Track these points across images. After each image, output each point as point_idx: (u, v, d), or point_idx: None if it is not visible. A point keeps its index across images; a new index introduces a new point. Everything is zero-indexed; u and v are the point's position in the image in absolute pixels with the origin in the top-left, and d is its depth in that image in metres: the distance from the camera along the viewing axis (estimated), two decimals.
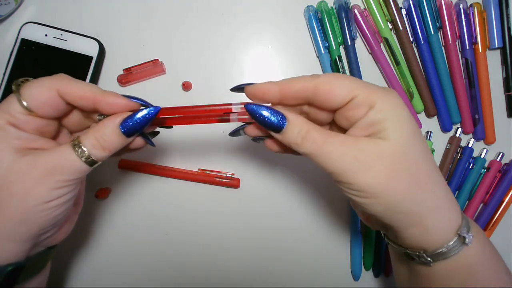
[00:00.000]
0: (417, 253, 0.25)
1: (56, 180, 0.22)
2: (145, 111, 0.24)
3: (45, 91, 0.23)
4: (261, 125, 0.24)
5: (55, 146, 0.24)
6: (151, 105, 0.25)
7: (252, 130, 0.27)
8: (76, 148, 0.23)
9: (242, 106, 0.25)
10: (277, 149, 0.28)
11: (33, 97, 0.23)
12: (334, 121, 0.26)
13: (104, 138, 0.23)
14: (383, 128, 0.23)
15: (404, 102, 0.24)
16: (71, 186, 0.23)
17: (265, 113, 0.24)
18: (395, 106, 0.23)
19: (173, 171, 0.40)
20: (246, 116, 0.25)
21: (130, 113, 0.24)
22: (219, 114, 0.26)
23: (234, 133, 0.28)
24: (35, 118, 0.23)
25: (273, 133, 0.24)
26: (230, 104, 0.26)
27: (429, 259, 0.25)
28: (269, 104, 0.26)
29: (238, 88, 0.26)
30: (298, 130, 0.24)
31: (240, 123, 0.27)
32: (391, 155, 0.22)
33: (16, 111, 0.22)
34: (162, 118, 0.26)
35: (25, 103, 0.22)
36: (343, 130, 0.26)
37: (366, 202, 0.23)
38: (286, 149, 0.27)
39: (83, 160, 0.23)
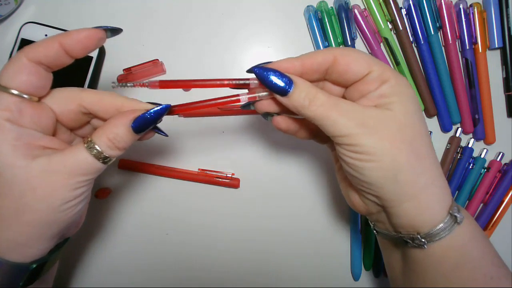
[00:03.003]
0: (411, 235, 0.25)
1: (76, 181, 0.23)
2: (154, 109, 0.24)
3: (20, 69, 0.22)
4: (268, 88, 0.25)
5: (60, 145, 0.25)
6: (115, 28, 0.25)
7: (262, 105, 0.27)
8: (91, 150, 0.23)
9: (249, 96, 0.26)
10: (285, 127, 0.28)
11: (13, 76, 0.22)
12: (343, 97, 0.27)
13: (117, 138, 0.24)
14: (391, 101, 0.24)
15: None
16: (89, 184, 0.25)
17: (273, 76, 0.24)
18: (405, 86, 0.25)
19: (173, 171, 0.40)
20: (255, 95, 0.26)
21: (140, 112, 0.24)
22: (229, 102, 0.26)
23: (245, 106, 0.28)
24: (27, 104, 0.22)
25: (279, 97, 0.25)
26: (238, 95, 0.26)
27: (423, 240, 0.25)
28: None
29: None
30: (305, 93, 0.24)
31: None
32: (396, 124, 0.24)
33: (6, 102, 0.22)
34: (172, 107, 0.26)
35: (14, 91, 0.22)
36: None
37: (368, 166, 0.24)
38: (294, 125, 0.28)
39: (100, 161, 0.24)
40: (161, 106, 0.25)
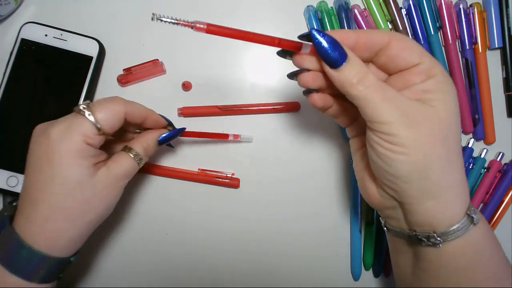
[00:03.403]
0: (427, 234, 0.25)
1: (125, 182, 0.30)
2: (174, 131, 0.34)
3: (116, 115, 0.28)
4: (321, 56, 0.24)
5: (105, 155, 0.30)
6: (172, 125, 0.35)
7: (306, 79, 0.26)
8: (135, 156, 0.30)
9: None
10: (321, 104, 0.28)
11: (107, 121, 0.27)
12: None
13: (148, 148, 0.31)
14: (435, 98, 0.24)
15: None
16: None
17: (329, 44, 0.23)
18: (451, 84, 0.25)
19: (173, 171, 0.40)
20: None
21: (166, 130, 0.33)
22: None
23: (291, 75, 0.28)
24: (102, 136, 0.28)
25: (328, 69, 0.24)
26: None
27: (439, 239, 0.25)
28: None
29: (307, 35, 0.25)
30: (356, 71, 0.23)
31: (295, 69, 0.27)
32: (436, 121, 0.24)
33: (91, 133, 0.27)
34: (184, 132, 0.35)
35: (99, 125, 0.27)
36: None
37: (397, 158, 0.23)
38: (331, 106, 0.28)
39: (139, 164, 0.31)
40: (178, 129, 0.34)
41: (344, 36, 0.24)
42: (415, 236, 0.26)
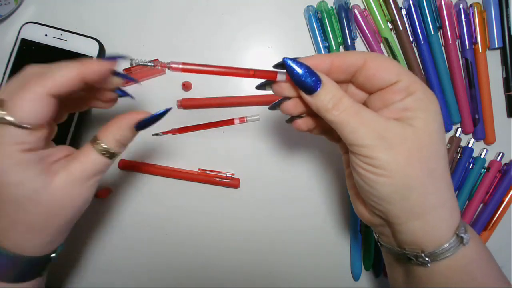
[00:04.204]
0: (415, 253, 0.25)
1: (93, 181, 0.26)
2: (156, 113, 0.27)
3: (38, 102, 0.22)
4: (296, 83, 0.24)
5: (69, 150, 0.27)
6: (122, 56, 0.27)
7: (287, 107, 0.26)
8: (102, 150, 0.25)
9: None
10: (306, 128, 0.28)
11: (31, 114, 0.22)
12: (365, 103, 0.27)
13: (123, 138, 0.26)
14: (415, 116, 0.23)
15: None
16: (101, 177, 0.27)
17: (302, 70, 0.23)
18: (432, 101, 0.24)
19: (173, 171, 0.40)
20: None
21: (143, 115, 0.26)
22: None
23: (272, 107, 0.28)
24: (40, 130, 0.23)
25: (304, 95, 0.24)
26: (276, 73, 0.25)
27: (427, 259, 0.24)
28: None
29: (281, 64, 0.25)
30: (331, 96, 0.23)
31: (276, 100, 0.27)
32: (415, 141, 0.23)
33: (21, 138, 0.22)
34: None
35: (25, 124, 0.22)
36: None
37: (378, 181, 0.23)
38: (314, 127, 0.28)
39: (112, 159, 0.26)
40: (162, 110, 0.26)
41: (318, 61, 0.24)
42: (404, 255, 0.26)
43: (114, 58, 0.26)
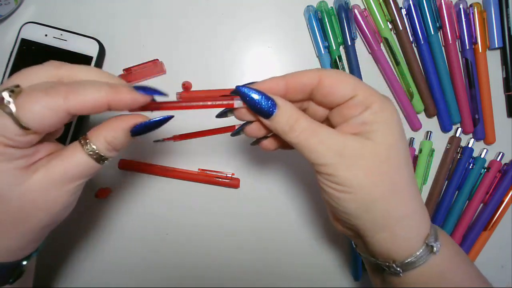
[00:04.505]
0: (387, 263, 0.25)
1: (76, 185, 0.23)
2: (155, 119, 0.24)
3: (50, 113, 0.20)
4: (251, 109, 0.24)
5: (56, 146, 0.24)
6: (162, 93, 0.24)
7: (251, 130, 0.26)
8: (90, 152, 0.23)
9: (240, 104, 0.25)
10: (273, 148, 0.28)
11: (36, 119, 0.20)
12: (327, 118, 0.27)
13: (115, 142, 0.23)
14: (373, 129, 0.23)
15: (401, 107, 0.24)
16: (85, 183, 0.24)
17: (256, 96, 0.23)
18: (390, 112, 0.24)
19: (173, 171, 0.40)
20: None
21: (141, 119, 0.23)
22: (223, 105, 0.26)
23: (236, 132, 0.28)
24: (34, 135, 0.21)
25: (262, 119, 0.24)
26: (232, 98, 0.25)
27: (398, 269, 0.25)
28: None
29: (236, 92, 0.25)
30: (287, 118, 0.24)
31: (241, 122, 0.27)
32: (374, 156, 0.23)
33: (12, 133, 0.20)
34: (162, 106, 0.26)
35: (23, 123, 0.20)
36: (335, 127, 0.26)
37: (342, 197, 0.24)
38: (281, 145, 0.28)
39: (100, 163, 0.23)
40: (163, 117, 0.24)
41: (272, 85, 0.24)
42: (377, 264, 0.26)
43: (150, 93, 0.23)
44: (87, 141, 0.23)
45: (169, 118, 0.24)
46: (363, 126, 0.24)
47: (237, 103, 0.25)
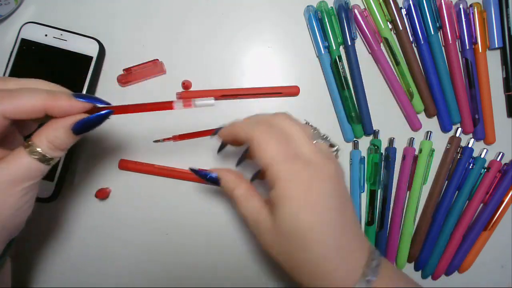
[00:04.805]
0: None
1: (23, 188, 0.23)
2: (96, 114, 0.25)
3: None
4: (205, 181, 0.31)
5: (3, 152, 0.25)
6: (104, 101, 0.25)
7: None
8: (34, 154, 0.23)
9: (183, 104, 0.27)
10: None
11: None
12: None
13: (57, 141, 0.24)
14: (275, 205, 0.25)
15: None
16: (36, 187, 0.25)
17: (203, 176, 0.30)
18: (292, 194, 0.25)
19: (173, 171, 0.40)
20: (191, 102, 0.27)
21: (83, 115, 0.24)
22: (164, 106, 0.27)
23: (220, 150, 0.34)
24: None
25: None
26: (172, 102, 0.27)
27: None
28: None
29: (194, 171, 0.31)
30: (226, 188, 0.29)
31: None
32: (274, 229, 0.26)
33: None
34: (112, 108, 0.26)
35: None
36: None
37: (269, 252, 0.27)
38: None
39: (44, 163, 0.24)
40: (103, 112, 0.25)
41: (226, 133, 0.29)
42: None
43: (89, 100, 0.25)
44: (30, 142, 0.23)
45: (108, 113, 0.25)
46: (272, 200, 0.26)
47: (177, 105, 0.26)
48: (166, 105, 0.26)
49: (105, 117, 0.25)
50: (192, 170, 0.30)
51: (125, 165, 0.40)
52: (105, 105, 0.25)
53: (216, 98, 0.40)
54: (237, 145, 0.30)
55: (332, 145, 0.28)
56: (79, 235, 0.40)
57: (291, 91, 0.40)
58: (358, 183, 0.40)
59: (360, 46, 0.41)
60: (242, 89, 0.40)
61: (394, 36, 0.41)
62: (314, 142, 0.27)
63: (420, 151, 0.41)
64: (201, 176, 0.30)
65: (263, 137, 0.26)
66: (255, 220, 0.27)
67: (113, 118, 0.39)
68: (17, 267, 0.40)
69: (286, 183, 0.25)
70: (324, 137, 0.28)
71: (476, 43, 0.40)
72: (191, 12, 0.41)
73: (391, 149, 0.40)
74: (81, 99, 0.24)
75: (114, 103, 0.40)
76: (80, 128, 0.24)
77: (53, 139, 0.23)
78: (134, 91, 0.40)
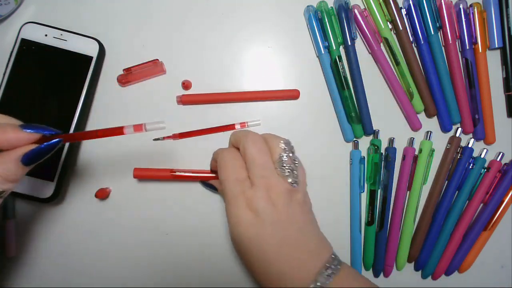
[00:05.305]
0: None
1: None
2: (45, 144, 0.25)
3: None
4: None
5: None
6: (52, 130, 0.25)
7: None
8: None
9: (134, 128, 0.27)
10: None
11: None
12: None
13: (7, 174, 0.24)
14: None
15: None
16: None
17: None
18: (234, 202, 0.30)
19: (188, 176, 0.39)
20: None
21: (32, 146, 0.24)
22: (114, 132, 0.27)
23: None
24: None
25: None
26: (123, 127, 0.27)
27: None
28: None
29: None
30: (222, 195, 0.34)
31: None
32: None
33: None
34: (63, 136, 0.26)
35: None
36: None
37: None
38: None
39: (1, 195, 0.24)
40: (51, 142, 0.25)
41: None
42: None
43: (37, 131, 0.24)
44: None
45: (58, 142, 0.25)
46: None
47: (128, 130, 0.27)
48: (116, 131, 0.27)
49: (54, 146, 0.25)
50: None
51: (140, 174, 0.39)
52: (54, 134, 0.25)
53: (215, 102, 0.40)
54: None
55: (284, 169, 0.30)
56: (79, 235, 0.40)
57: (291, 95, 0.40)
58: (358, 183, 0.40)
59: (360, 46, 0.41)
60: (242, 92, 0.40)
61: (394, 36, 0.41)
62: (268, 166, 0.30)
63: (420, 151, 0.41)
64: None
65: (221, 161, 0.31)
66: (235, 220, 0.30)
67: (113, 118, 0.39)
68: (17, 267, 0.40)
69: (231, 200, 0.29)
70: (281, 162, 0.31)
71: (476, 43, 0.40)
72: (191, 12, 0.41)
73: (391, 149, 0.40)
74: (28, 130, 0.24)
75: (114, 103, 0.40)
76: (30, 159, 0.24)
77: (2, 172, 0.23)
78: (134, 91, 0.40)
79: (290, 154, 0.31)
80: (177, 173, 0.38)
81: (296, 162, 0.31)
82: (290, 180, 0.30)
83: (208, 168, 0.40)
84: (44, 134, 0.25)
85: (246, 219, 0.28)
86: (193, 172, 0.38)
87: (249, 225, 0.28)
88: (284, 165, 0.30)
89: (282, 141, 0.31)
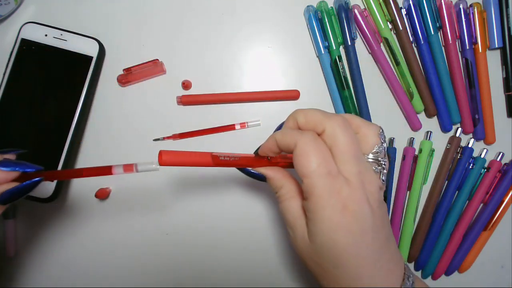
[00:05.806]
0: None
1: None
2: (24, 183, 0.24)
3: None
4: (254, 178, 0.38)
5: None
6: (33, 167, 0.24)
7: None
8: None
9: (123, 169, 0.24)
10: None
11: None
12: None
13: None
14: (308, 216, 0.25)
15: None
16: None
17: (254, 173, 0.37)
18: (326, 212, 0.24)
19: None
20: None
21: (11, 184, 0.23)
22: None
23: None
24: None
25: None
26: (111, 167, 0.24)
27: None
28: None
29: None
30: (273, 187, 0.28)
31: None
32: (309, 239, 0.25)
33: None
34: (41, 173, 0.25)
35: None
36: None
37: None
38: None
39: None
40: (30, 181, 0.24)
41: (269, 146, 0.27)
42: None
43: (16, 169, 0.23)
44: None
45: (38, 181, 0.24)
46: (306, 211, 0.25)
47: (117, 170, 0.24)
48: (104, 171, 0.24)
49: (34, 185, 0.24)
50: (239, 169, 0.35)
51: (169, 159, 0.36)
52: (35, 171, 0.24)
53: (215, 102, 0.40)
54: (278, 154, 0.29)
55: (379, 164, 0.26)
56: (79, 235, 0.40)
57: (291, 95, 0.40)
58: None
59: (360, 46, 0.41)
60: (242, 93, 0.40)
61: (394, 36, 0.41)
62: (362, 158, 0.26)
63: (420, 151, 0.41)
64: (249, 174, 0.36)
65: (306, 148, 0.24)
66: (291, 223, 0.27)
67: (113, 117, 0.39)
68: (17, 267, 0.40)
69: (322, 200, 0.24)
70: (376, 155, 0.27)
71: (476, 43, 0.40)
72: (191, 12, 0.41)
73: (391, 149, 0.40)
74: (6, 169, 0.23)
75: (114, 103, 0.40)
76: (8, 198, 0.23)
77: None
78: (134, 91, 0.40)
79: (385, 145, 0.27)
80: (222, 158, 0.26)
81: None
82: (382, 176, 0.26)
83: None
84: (25, 171, 0.24)
85: (344, 225, 0.24)
86: (242, 157, 0.28)
87: (348, 232, 0.24)
88: (379, 159, 0.26)
89: (380, 130, 0.27)
